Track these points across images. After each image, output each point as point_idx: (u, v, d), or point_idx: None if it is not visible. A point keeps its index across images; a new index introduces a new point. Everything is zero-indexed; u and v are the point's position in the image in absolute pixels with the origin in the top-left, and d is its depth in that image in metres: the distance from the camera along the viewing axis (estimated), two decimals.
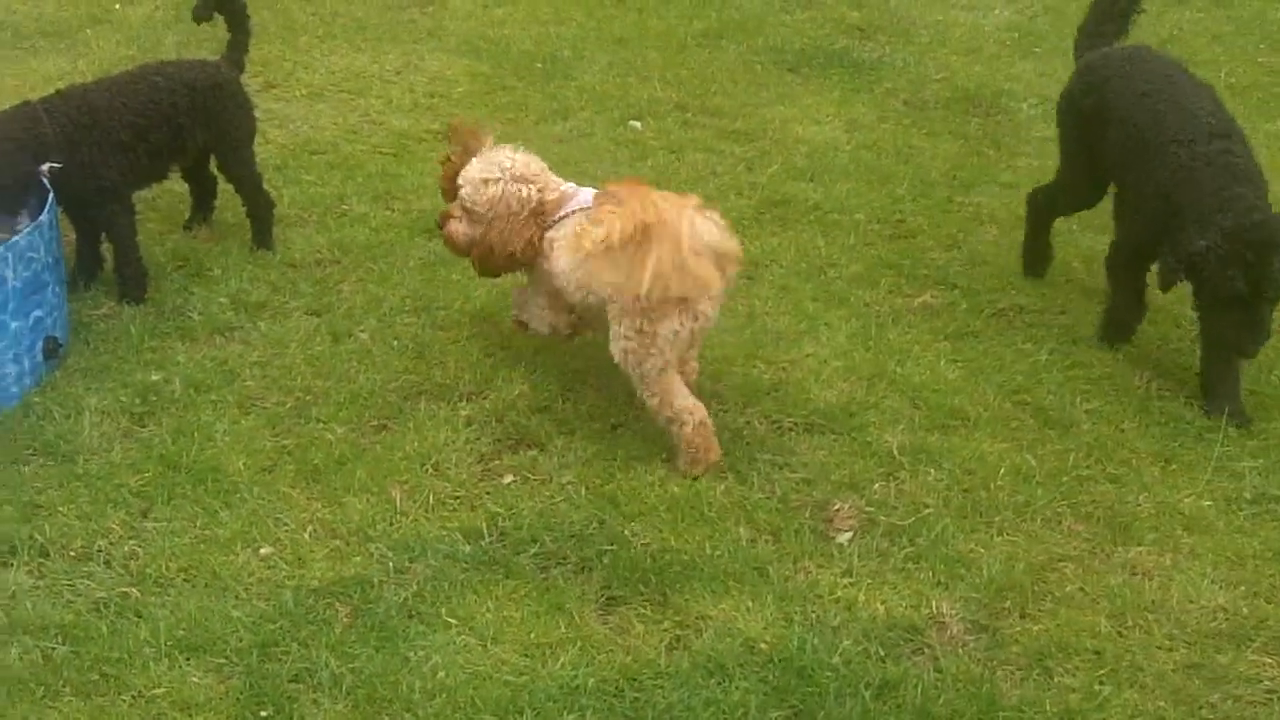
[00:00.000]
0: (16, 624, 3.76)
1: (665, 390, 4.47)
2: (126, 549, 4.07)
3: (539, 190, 4.77)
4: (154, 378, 4.83)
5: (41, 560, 4.01)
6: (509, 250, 4.75)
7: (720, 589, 4.01)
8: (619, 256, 4.17)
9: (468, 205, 4.79)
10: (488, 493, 4.41)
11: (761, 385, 4.98)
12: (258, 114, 5.86)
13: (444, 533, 4.20)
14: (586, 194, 4.80)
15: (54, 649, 3.69)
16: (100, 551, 4.05)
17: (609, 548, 4.15)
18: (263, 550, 4.11)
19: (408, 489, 4.38)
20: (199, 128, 5.45)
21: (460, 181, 4.82)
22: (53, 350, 4.82)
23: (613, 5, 9.03)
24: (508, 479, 4.47)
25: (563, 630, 3.86)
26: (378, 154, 6.72)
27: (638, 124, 7.20)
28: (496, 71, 7.83)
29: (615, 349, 4.51)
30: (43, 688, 3.57)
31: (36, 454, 4.45)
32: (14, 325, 4.63)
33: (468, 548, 4.14)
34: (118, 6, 8.48)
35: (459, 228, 4.85)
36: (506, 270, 4.93)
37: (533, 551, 4.14)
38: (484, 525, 4.24)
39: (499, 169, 4.77)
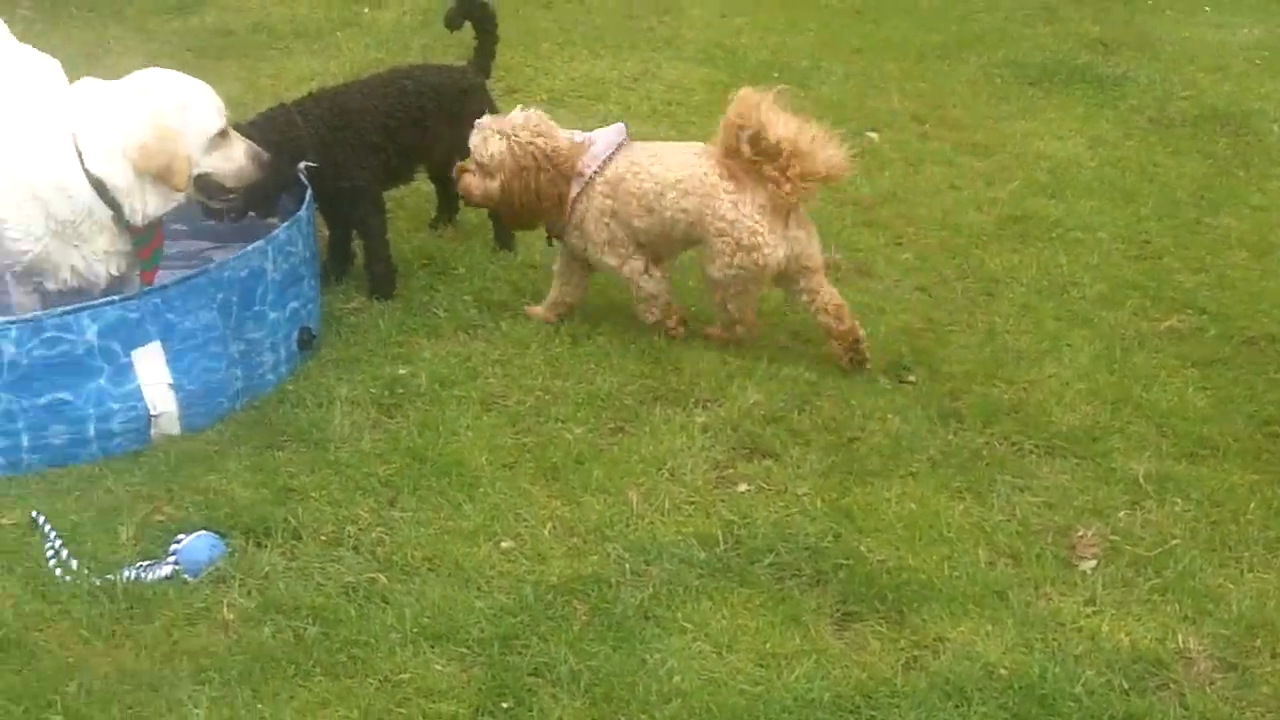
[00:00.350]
0: (270, 603, 3.88)
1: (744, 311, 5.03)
2: (374, 535, 4.18)
3: (545, 140, 4.97)
4: (401, 371, 4.96)
5: (294, 543, 4.13)
6: (536, 202, 4.99)
7: (959, 610, 3.96)
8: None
9: (477, 159, 5.00)
10: (722, 500, 4.42)
11: (1001, 405, 4.91)
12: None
13: (679, 537, 4.22)
14: (607, 134, 5.05)
15: (305, 629, 3.80)
16: (350, 537, 4.17)
17: (845, 562, 4.13)
18: (504, 544, 4.18)
19: (644, 492, 4.42)
20: (446, 130, 5.57)
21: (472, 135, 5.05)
22: (307, 341, 4.98)
23: (849, 15, 9.02)
24: (743, 487, 4.48)
25: (798, 642, 3.85)
26: None
27: (874, 135, 7.17)
28: (733, 80, 7.83)
29: (710, 275, 4.97)
30: (294, 666, 3.68)
31: (290, 440, 4.59)
32: (272, 315, 4.80)
33: (703, 554, 4.16)
34: (367, 11, 8.75)
35: (473, 180, 5.05)
36: (534, 222, 5.14)
37: (768, 561, 4.14)
38: (719, 532, 4.25)
39: (503, 125, 4.99)
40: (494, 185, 5.01)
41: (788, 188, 4.82)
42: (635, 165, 5.02)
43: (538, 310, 5.30)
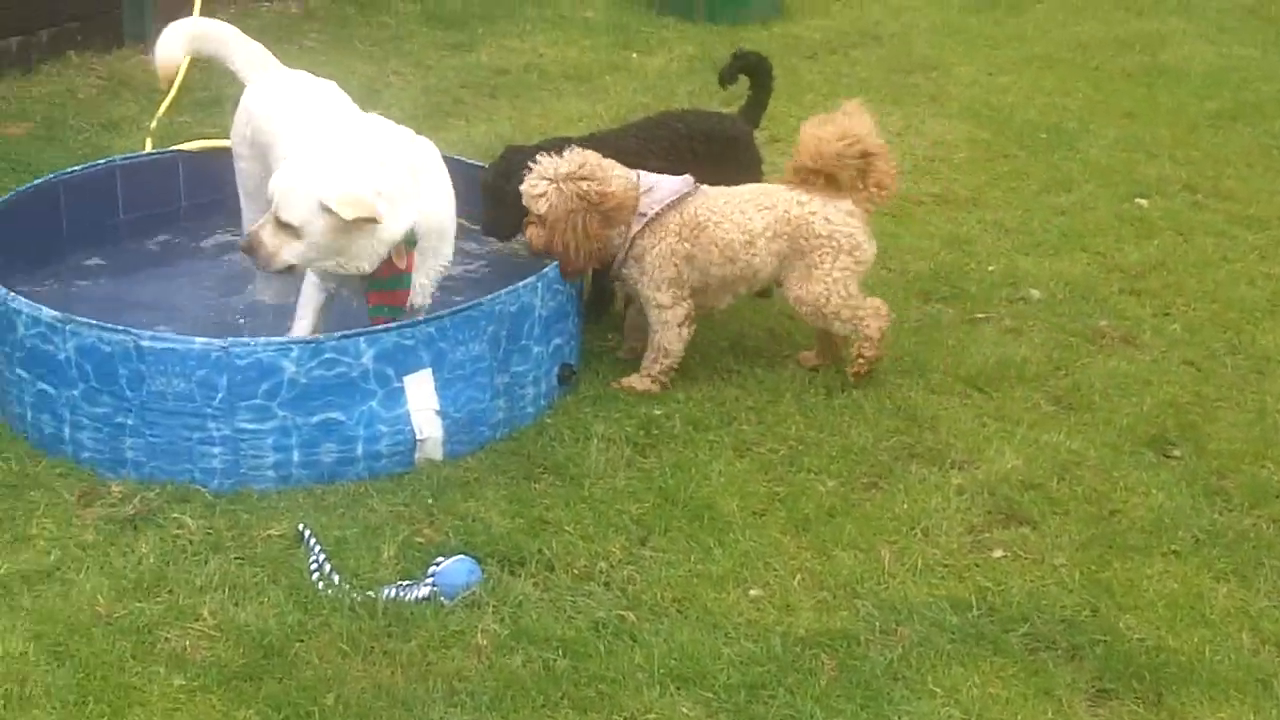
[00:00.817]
0: (522, 632, 3.95)
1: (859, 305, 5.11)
2: (625, 573, 4.22)
3: (592, 183, 4.94)
4: (656, 412, 5.00)
5: (547, 574, 4.20)
6: (587, 242, 4.96)
7: (1219, 696, 3.82)
8: None
9: (531, 210, 4.99)
10: (976, 564, 4.35)
11: (1271, 486, 4.74)
12: (764, 168, 6.00)
13: (931, 599, 4.17)
14: (672, 181, 5.08)
15: (554, 660, 3.86)
16: (601, 572, 4.21)
17: (1102, 638, 4.02)
18: (752, 592, 4.18)
19: (896, 550, 4.38)
20: (711, 176, 5.61)
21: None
22: (567, 376, 5.07)
23: (1121, 79, 8.84)
24: (998, 553, 4.40)
25: (1049, 716, 3.76)
26: (877, 213, 6.72)
27: (1144, 201, 7.01)
28: (998, 139, 7.78)
29: (807, 290, 5.06)
30: (543, 696, 3.73)
31: (546, 472, 4.67)
32: (536, 350, 4.89)
33: (955, 618, 4.09)
34: (635, 56, 8.89)
35: (534, 231, 5.01)
36: (587, 267, 5.10)
37: (1021, 631, 4.06)
38: (972, 597, 4.18)
39: (549, 172, 4.97)
40: (542, 235, 5.00)
41: (881, 194, 5.19)
42: (717, 214, 5.09)
43: (635, 382, 5.19)
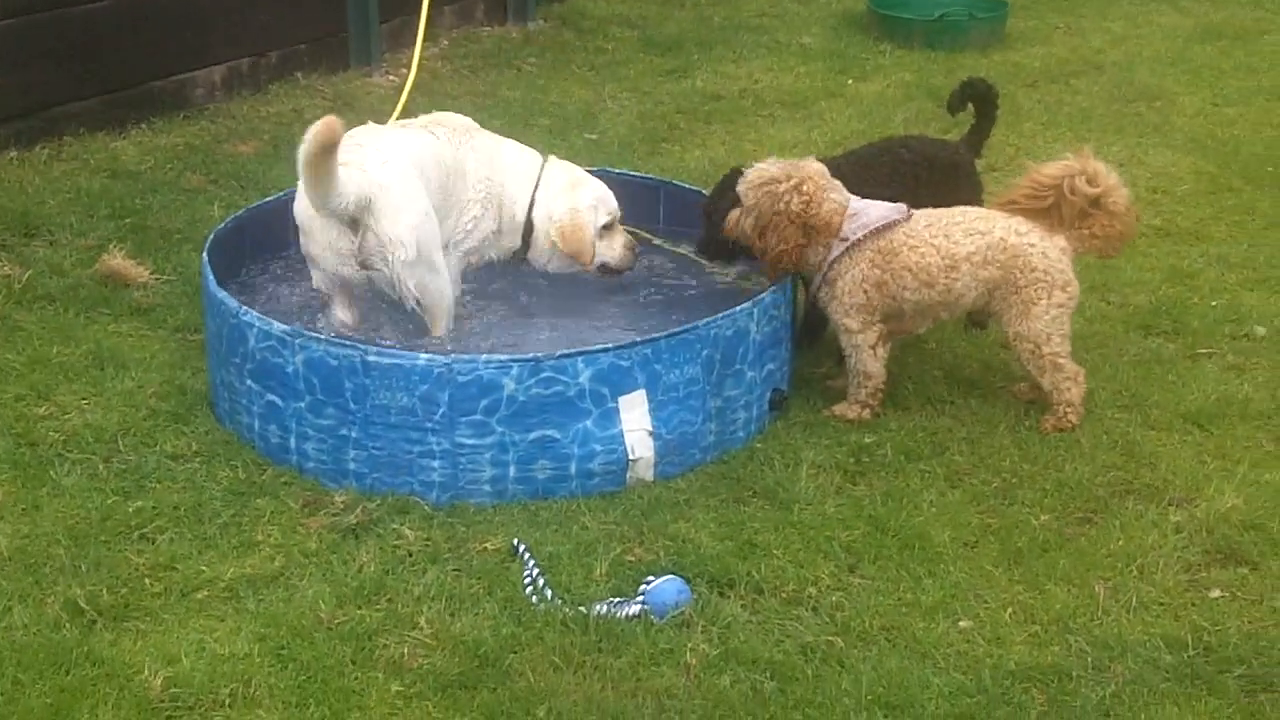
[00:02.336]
0: (730, 653, 3.98)
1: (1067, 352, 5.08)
2: (833, 599, 4.22)
3: (803, 198, 4.99)
4: (867, 440, 5.00)
5: (755, 597, 4.22)
6: (777, 247, 5.02)
7: None
8: None
9: (741, 195, 5.10)
10: (1193, 604, 4.26)
11: None
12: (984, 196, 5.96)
13: (1146, 637, 4.09)
14: (883, 208, 5.08)
15: (762, 683, 3.88)
16: (809, 598, 4.22)
17: None
18: (962, 623, 4.15)
19: (1111, 587, 4.31)
20: (930, 202, 5.58)
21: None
22: (778, 401, 5.09)
23: None
24: (1215, 593, 4.30)
25: None
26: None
27: None
28: (1223, 172, 7.59)
29: (1028, 328, 5.01)
30: (750, 717, 3.76)
31: (756, 496, 4.70)
32: (750, 374, 4.93)
33: (1170, 657, 4.01)
34: (851, 82, 8.89)
35: (736, 215, 5.12)
36: (785, 270, 5.13)
37: (1238, 672, 3.96)
38: (1188, 636, 4.09)
39: (771, 171, 5.07)
40: (748, 223, 5.09)
41: (1097, 242, 5.12)
42: (913, 239, 5.04)
43: (845, 410, 5.19)
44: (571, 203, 5.37)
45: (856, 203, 5.11)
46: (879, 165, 5.48)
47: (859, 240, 5.04)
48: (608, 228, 5.43)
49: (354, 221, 4.91)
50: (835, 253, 5.06)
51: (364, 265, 4.98)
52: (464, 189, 5.29)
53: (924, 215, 5.12)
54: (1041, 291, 5.01)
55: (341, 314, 5.20)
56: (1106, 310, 5.99)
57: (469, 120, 5.49)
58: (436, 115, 5.48)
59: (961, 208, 5.23)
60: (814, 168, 5.09)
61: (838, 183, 5.12)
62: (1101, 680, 3.93)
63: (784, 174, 5.04)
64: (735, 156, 7.27)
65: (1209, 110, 8.52)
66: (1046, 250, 5.02)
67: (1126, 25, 10.18)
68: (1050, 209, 5.09)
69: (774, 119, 8.24)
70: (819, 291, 5.19)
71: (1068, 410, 5.08)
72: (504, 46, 9.40)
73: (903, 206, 5.12)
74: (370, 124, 5.29)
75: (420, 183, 5.04)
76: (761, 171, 5.09)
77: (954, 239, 5.04)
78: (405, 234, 4.91)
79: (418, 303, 5.06)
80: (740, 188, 5.11)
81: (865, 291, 5.06)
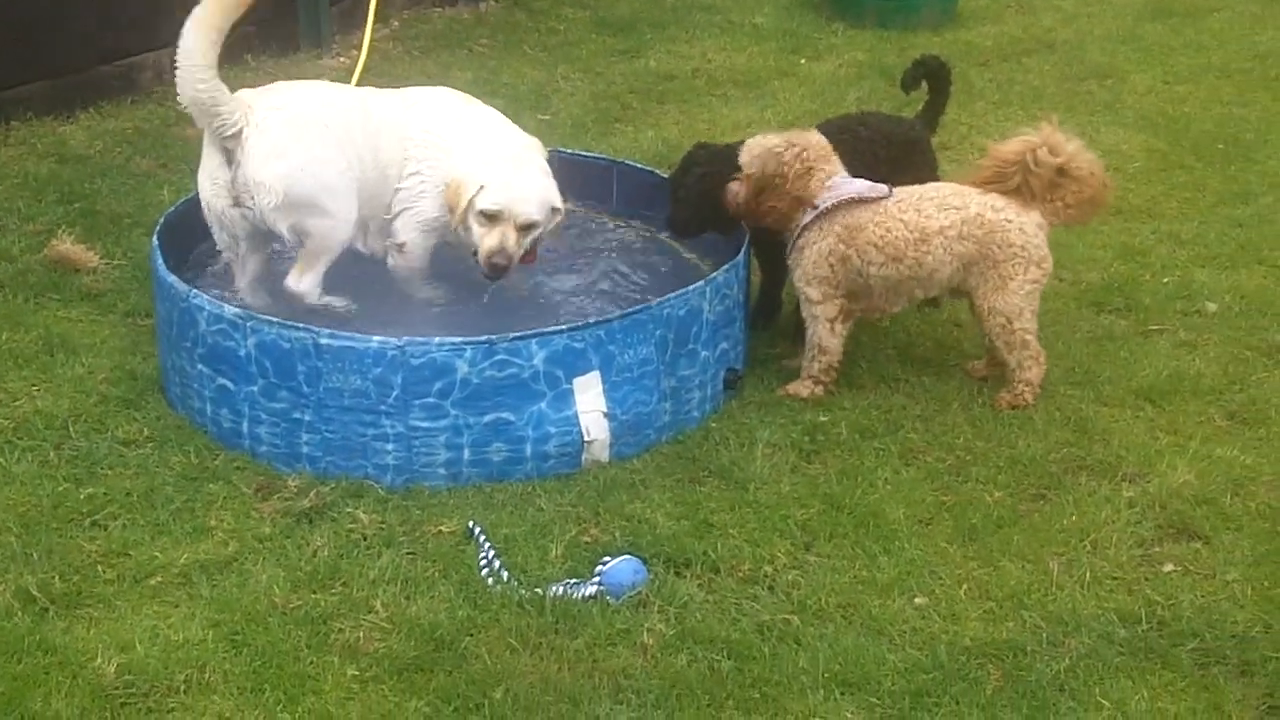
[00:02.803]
0: (687, 632, 3.98)
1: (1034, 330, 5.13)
2: (789, 578, 4.23)
3: (800, 165, 5.05)
4: (822, 419, 5.00)
5: (712, 576, 4.23)
6: (759, 204, 5.08)
7: None
8: None
9: (744, 164, 5.12)
10: (1146, 578, 4.29)
11: None
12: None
13: (1100, 612, 4.12)
14: (860, 184, 5.08)
15: (719, 662, 3.89)
16: (766, 576, 4.23)
17: (1274, 655, 3.95)
18: (918, 600, 4.17)
19: (1064, 562, 4.33)
20: (890, 178, 5.59)
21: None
22: (732, 381, 5.09)
23: None
24: (1168, 567, 4.33)
25: None
26: None
27: None
28: (1174, 149, 7.63)
29: (1003, 302, 5.02)
30: (708, 696, 3.77)
31: (711, 475, 4.71)
32: (703, 354, 4.93)
33: (1124, 631, 4.04)
34: (803, 62, 8.88)
35: (734, 186, 5.14)
36: (755, 219, 5.18)
37: (1191, 646, 4.00)
38: (1141, 611, 4.12)
39: (773, 141, 5.11)
40: (747, 192, 5.13)
41: (1071, 212, 5.14)
42: (880, 214, 5.06)
43: (799, 388, 5.20)
44: (475, 172, 5.11)
45: (839, 177, 5.12)
46: (838, 143, 5.45)
47: (828, 210, 5.05)
48: (491, 217, 5.06)
49: (228, 153, 4.96)
50: (806, 219, 5.08)
51: (236, 201, 5.00)
52: (395, 149, 5.21)
53: (899, 192, 5.13)
54: (1018, 267, 5.03)
55: (240, 280, 5.23)
56: (1059, 288, 6.01)
57: (460, 94, 5.45)
58: (438, 89, 5.48)
59: (936, 184, 5.27)
60: (815, 138, 5.14)
61: (835, 157, 5.15)
62: (1056, 655, 3.95)
63: (786, 142, 5.08)
64: (688, 136, 7.24)
65: (1160, 88, 8.56)
66: (1024, 226, 5.04)
67: (1077, 3, 10.20)
68: (1019, 187, 5.09)
69: (727, 99, 8.22)
70: (789, 259, 5.22)
71: (1025, 388, 5.11)
72: (455, 27, 9.34)
73: (884, 188, 5.11)
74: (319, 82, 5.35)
75: (318, 134, 5.03)
76: (763, 140, 5.12)
77: (925, 213, 5.05)
78: (271, 179, 4.93)
79: (301, 244, 5.10)
80: (743, 157, 5.12)
81: (830, 265, 5.08)
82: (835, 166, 5.12)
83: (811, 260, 5.09)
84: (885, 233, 5.04)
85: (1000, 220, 5.03)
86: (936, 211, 5.05)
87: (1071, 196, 5.11)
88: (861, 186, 5.09)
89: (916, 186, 5.19)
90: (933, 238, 5.03)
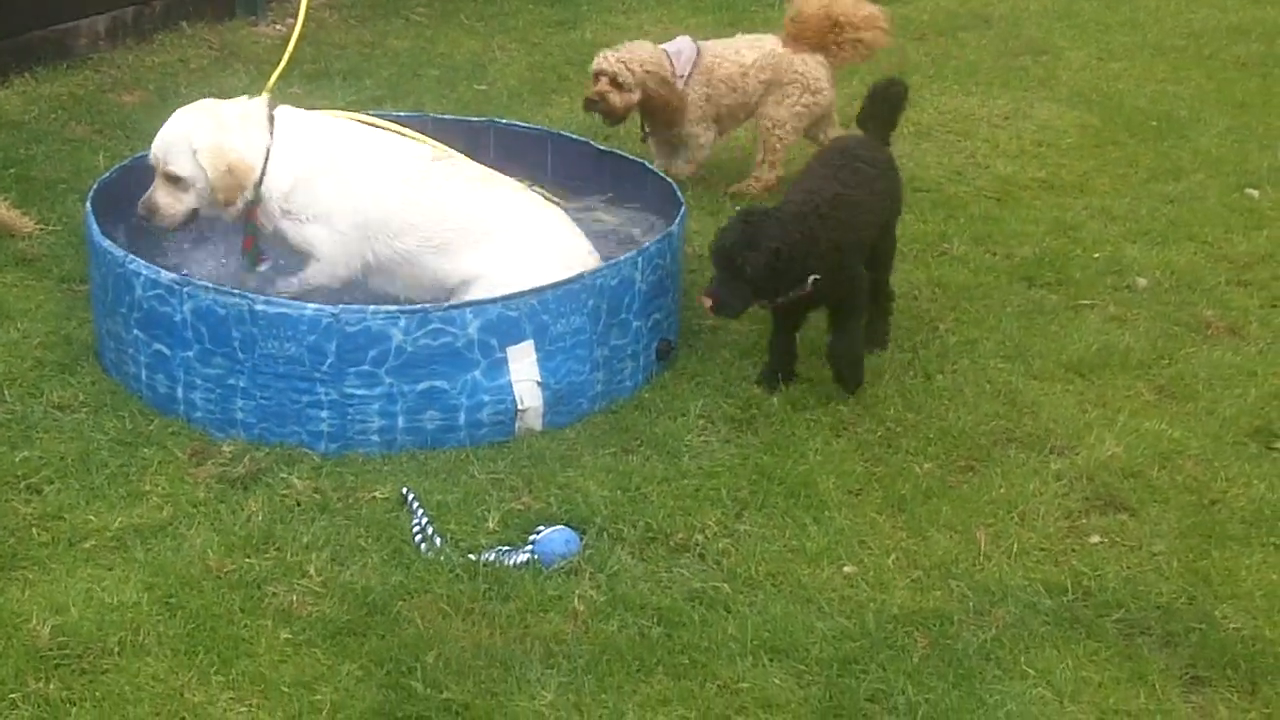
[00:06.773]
0: (618, 599, 4.01)
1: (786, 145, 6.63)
2: (720, 546, 4.27)
3: (659, 67, 6.37)
4: (755, 390, 5.04)
5: (644, 545, 4.26)
6: (675, 106, 6.37)
7: None
8: None
9: (620, 80, 6.29)
10: (1073, 550, 4.36)
11: None
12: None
13: (1026, 582, 4.18)
14: (684, 47, 6.48)
15: (650, 628, 3.92)
16: (696, 545, 4.27)
17: (1198, 626, 4.02)
18: (846, 569, 4.22)
19: (992, 533, 4.39)
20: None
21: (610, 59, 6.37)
22: (665, 351, 5.12)
23: (1234, 68, 8.72)
24: (1095, 539, 4.40)
25: (1142, 701, 3.77)
26: (982, 197, 6.76)
27: (1255, 192, 6.93)
28: (1107, 125, 7.72)
29: (776, 113, 6.50)
30: (638, 662, 3.80)
31: (644, 445, 4.73)
32: (635, 324, 4.95)
33: (1050, 601, 4.11)
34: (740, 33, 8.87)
35: (616, 97, 6.32)
36: (669, 125, 6.51)
37: (1116, 616, 4.07)
38: (1068, 582, 4.19)
39: (629, 57, 6.34)
40: (633, 97, 6.32)
41: (847, 51, 6.55)
42: (718, 58, 6.47)
43: (680, 169, 6.53)
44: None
45: (669, 46, 6.44)
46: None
47: (686, 75, 6.40)
48: (167, 177, 5.02)
49: None
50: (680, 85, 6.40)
51: None
52: None
53: (715, 44, 6.57)
54: (795, 89, 6.47)
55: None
56: (991, 262, 6.08)
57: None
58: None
59: (743, 35, 6.75)
60: (651, 49, 6.41)
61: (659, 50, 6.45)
62: (983, 624, 4.01)
63: (652, 63, 6.34)
64: None
65: (1094, 65, 8.64)
66: (805, 59, 6.49)
67: None
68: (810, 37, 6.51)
69: None
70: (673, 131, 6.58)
71: (755, 182, 6.53)
72: None
73: (689, 38, 6.53)
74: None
75: None
76: (615, 56, 6.35)
77: (741, 53, 6.50)
78: None
79: None
80: (616, 71, 6.28)
81: (701, 107, 6.46)
82: (664, 56, 6.39)
83: (692, 112, 6.43)
84: (726, 71, 6.44)
85: (788, 54, 6.48)
86: (748, 51, 6.50)
87: (846, 38, 6.48)
88: (685, 45, 6.45)
89: (725, 39, 6.64)
90: (750, 70, 6.46)
